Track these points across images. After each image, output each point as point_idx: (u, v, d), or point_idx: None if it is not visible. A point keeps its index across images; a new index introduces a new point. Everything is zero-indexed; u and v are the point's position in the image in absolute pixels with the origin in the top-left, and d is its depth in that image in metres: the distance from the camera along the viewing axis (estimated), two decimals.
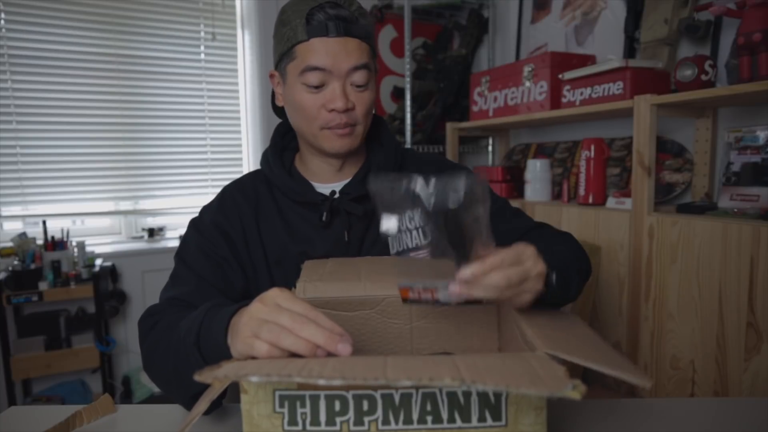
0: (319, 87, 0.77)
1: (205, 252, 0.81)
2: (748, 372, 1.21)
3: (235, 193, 0.88)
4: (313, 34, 0.75)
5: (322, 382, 0.37)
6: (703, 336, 1.30)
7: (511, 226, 0.85)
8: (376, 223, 0.86)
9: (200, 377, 0.40)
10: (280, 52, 0.80)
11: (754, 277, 1.17)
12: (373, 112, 0.87)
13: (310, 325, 0.48)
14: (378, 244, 0.85)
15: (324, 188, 0.86)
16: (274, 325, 0.49)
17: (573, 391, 0.35)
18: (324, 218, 0.82)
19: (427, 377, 0.36)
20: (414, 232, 0.88)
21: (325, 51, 0.75)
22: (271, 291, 0.52)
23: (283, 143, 0.92)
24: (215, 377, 0.40)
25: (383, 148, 0.89)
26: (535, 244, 0.60)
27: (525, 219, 0.89)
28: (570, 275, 0.66)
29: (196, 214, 0.88)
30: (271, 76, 0.86)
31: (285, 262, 0.82)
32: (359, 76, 0.78)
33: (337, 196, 0.85)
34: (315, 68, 0.76)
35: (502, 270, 0.54)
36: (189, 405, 0.65)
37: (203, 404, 0.45)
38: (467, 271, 0.54)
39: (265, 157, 0.89)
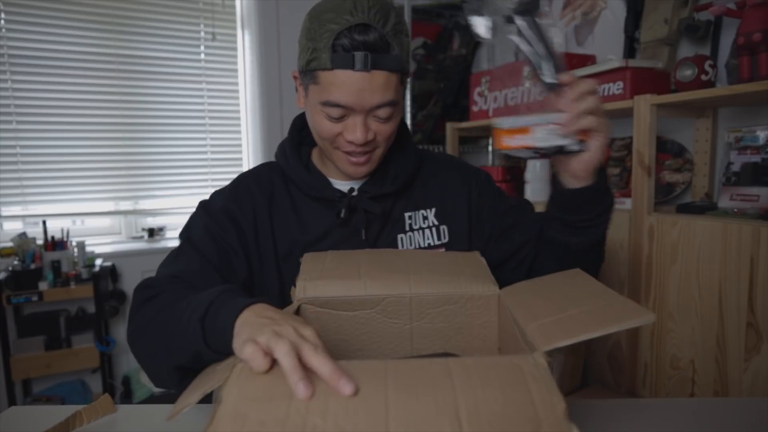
0: (339, 119, 0.74)
1: (212, 235, 0.78)
2: (748, 372, 1.21)
3: (250, 183, 0.85)
4: (338, 65, 0.69)
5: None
6: (703, 336, 1.30)
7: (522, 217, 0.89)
8: (391, 222, 0.84)
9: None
10: (303, 67, 0.74)
11: (754, 277, 1.17)
12: None
13: (321, 353, 0.45)
14: (388, 241, 0.84)
15: (341, 185, 0.84)
16: (277, 335, 0.46)
17: None
18: (342, 215, 0.80)
19: None
20: (427, 231, 0.86)
21: (348, 86, 0.70)
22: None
23: (300, 137, 0.89)
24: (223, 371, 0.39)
25: (404, 150, 0.88)
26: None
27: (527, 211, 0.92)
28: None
29: (206, 197, 0.85)
30: (294, 77, 0.82)
31: (295, 257, 0.80)
32: (383, 112, 0.74)
33: (355, 193, 0.83)
34: (337, 105, 0.72)
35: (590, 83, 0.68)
36: (172, 376, 0.62)
37: (196, 395, 0.43)
38: (566, 74, 0.67)
39: (282, 150, 0.87)
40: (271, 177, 0.86)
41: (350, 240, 0.82)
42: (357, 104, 0.72)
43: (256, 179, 0.86)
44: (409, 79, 2.47)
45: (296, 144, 0.88)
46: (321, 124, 0.76)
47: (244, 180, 0.87)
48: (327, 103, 0.72)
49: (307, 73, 0.74)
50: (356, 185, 0.85)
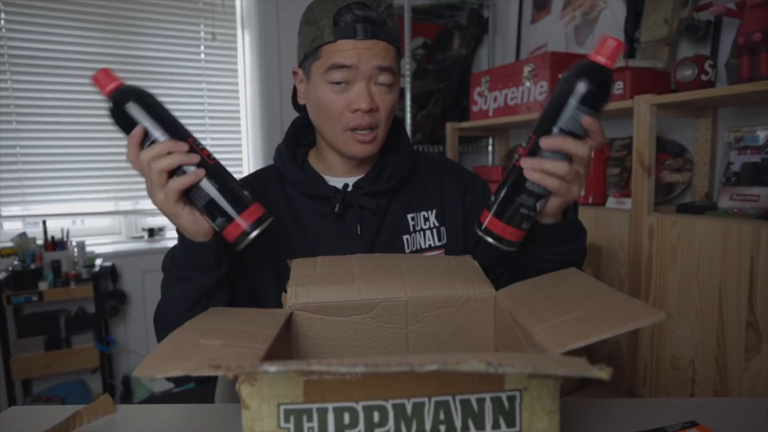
0: (343, 85, 0.76)
1: None
2: (748, 372, 1.21)
3: None
4: (341, 36, 0.74)
5: (343, 369, 0.35)
6: (703, 336, 1.30)
7: None
8: (390, 219, 0.85)
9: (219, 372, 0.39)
10: (306, 51, 0.78)
11: (754, 277, 1.17)
12: None
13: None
14: (394, 242, 0.84)
15: (337, 182, 0.86)
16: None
17: (600, 371, 0.34)
18: (336, 209, 0.81)
19: (453, 360, 0.35)
20: (428, 232, 0.87)
21: (351, 51, 0.74)
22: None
23: (297, 138, 0.91)
24: (227, 368, 0.37)
25: (399, 149, 0.89)
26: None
27: None
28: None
29: None
30: (295, 73, 0.85)
31: (294, 256, 0.80)
32: (385, 77, 0.77)
33: (350, 189, 0.84)
34: (341, 66, 0.75)
35: None
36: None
37: (173, 367, 0.43)
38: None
39: (278, 152, 0.89)
40: (266, 182, 0.88)
41: (346, 239, 0.83)
42: (360, 64, 0.75)
43: (249, 185, 0.88)
44: (408, 79, 2.44)
45: (292, 145, 0.90)
46: (327, 100, 0.78)
47: None
48: (332, 66, 0.75)
49: (310, 55, 0.78)
50: (351, 181, 0.86)
